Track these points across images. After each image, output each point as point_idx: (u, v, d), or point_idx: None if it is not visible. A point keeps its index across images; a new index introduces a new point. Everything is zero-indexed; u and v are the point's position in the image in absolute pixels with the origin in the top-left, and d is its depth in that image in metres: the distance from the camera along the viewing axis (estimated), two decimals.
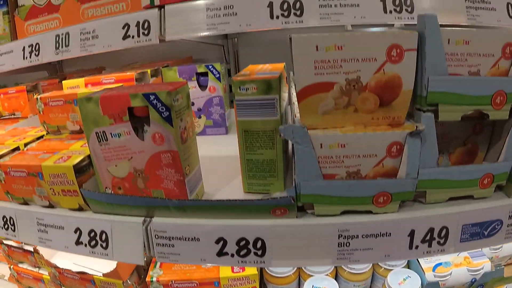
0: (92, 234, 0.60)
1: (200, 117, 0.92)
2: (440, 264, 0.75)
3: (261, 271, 0.85)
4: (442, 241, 0.57)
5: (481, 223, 0.57)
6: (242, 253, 0.55)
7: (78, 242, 0.61)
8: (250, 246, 0.55)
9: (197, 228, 0.55)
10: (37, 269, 0.92)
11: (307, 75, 0.49)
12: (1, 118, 1.01)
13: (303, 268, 0.86)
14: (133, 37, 0.71)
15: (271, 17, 0.65)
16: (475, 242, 0.59)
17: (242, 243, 0.55)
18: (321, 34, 0.48)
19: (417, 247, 0.56)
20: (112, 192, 0.59)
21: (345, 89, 0.50)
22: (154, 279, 0.73)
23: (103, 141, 0.56)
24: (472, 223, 0.57)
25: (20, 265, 0.94)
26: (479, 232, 0.58)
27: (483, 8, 0.71)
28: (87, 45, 0.69)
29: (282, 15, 0.65)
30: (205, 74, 0.89)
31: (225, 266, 0.74)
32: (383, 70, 0.49)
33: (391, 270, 0.80)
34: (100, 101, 0.54)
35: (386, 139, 0.51)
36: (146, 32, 0.70)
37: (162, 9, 0.69)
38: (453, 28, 0.53)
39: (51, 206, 0.65)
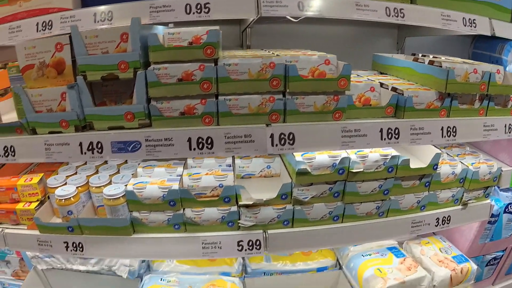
0: None
1: None
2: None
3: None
4: (100, 150, 1.42)
5: (124, 141, 1.40)
6: (6, 155, 1.48)
7: None
8: (9, 151, 1.48)
9: None
10: None
11: (23, 61, 1.43)
12: None
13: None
14: None
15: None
16: (121, 154, 1.41)
17: (5, 148, 1.48)
18: (27, 40, 1.43)
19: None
20: None
21: (39, 67, 1.43)
22: None
23: None
24: (117, 141, 1.40)
25: None
26: (124, 148, 1.41)
27: None
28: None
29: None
30: None
31: (23, 177, 1.66)
32: (55, 56, 1.41)
33: None
34: None
35: (59, 90, 1.41)
36: None
37: None
38: (86, 30, 1.41)
39: None
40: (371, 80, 1.71)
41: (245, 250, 1.55)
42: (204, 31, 1.38)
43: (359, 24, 2.38)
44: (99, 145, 1.41)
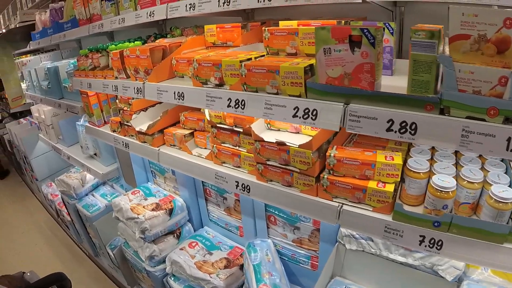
0: (306, 110, 1.58)
1: None
2: None
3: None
4: None
5: None
6: (401, 131, 1.49)
7: (294, 116, 1.60)
8: (407, 127, 1.49)
9: (377, 111, 1.50)
10: (237, 147, 1.96)
11: (455, 28, 1.43)
12: (215, 45, 2.09)
13: (432, 170, 1.76)
14: None
15: None
16: None
17: (403, 124, 1.49)
18: (465, 6, 1.42)
19: None
20: None
21: (477, 40, 1.43)
22: (332, 154, 1.69)
23: (327, 54, 1.54)
24: None
25: (222, 145, 1.99)
26: None
27: None
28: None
29: None
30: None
31: (381, 155, 1.68)
32: (500, 32, 1.41)
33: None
34: (331, 30, 1.53)
35: (498, 73, 1.42)
36: None
37: None
38: None
39: (276, 93, 1.64)
40: None
41: None
42: None
43: None
44: None
